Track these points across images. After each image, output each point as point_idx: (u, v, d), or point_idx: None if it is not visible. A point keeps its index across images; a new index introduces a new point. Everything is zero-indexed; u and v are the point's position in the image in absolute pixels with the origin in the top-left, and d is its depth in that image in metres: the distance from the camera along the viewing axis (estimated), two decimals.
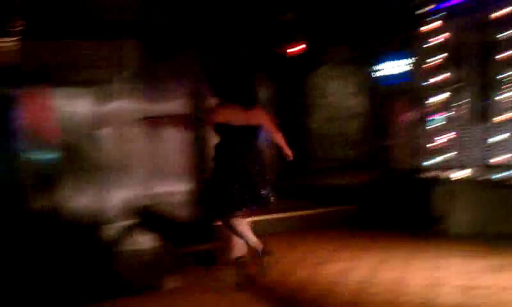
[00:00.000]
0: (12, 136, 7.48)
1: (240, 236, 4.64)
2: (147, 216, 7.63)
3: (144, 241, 6.87)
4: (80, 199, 7.88)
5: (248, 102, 4.68)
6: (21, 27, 6.13)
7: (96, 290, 4.89)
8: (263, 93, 9.25)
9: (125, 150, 8.10)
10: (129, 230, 7.60)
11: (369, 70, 10.18)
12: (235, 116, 4.59)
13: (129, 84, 7.77)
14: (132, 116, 7.93)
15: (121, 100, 7.84)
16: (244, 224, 4.62)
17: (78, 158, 7.94)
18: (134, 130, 7.96)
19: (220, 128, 4.65)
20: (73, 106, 7.91)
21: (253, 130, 4.66)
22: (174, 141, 8.01)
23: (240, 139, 4.58)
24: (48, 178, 7.38)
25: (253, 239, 4.65)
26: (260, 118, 4.71)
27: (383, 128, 8.64)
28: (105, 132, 8.01)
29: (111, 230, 7.60)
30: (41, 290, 4.90)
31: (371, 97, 10.30)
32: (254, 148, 4.63)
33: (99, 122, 7.97)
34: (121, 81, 7.52)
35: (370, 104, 10.40)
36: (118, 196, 8.05)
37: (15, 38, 6.44)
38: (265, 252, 4.66)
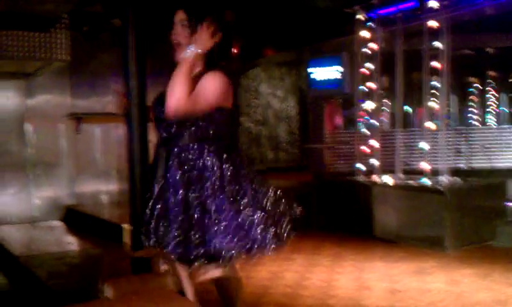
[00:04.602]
0: None
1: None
2: (76, 216, 7.39)
3: (75, 242, 6.64)
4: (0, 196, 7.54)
5: None
6: None
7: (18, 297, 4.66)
8: None
9: (51, 147, 7.82)
10: (56, 230, 7.33)
11: (301, 73, 10.37)
12: None
13: (59, 77, 7.52)
14: (59, 112, 7.67)
15: (49, 94, 7.59)
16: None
17: (1, 152, 7.58)
18: (61, 126, 7.72)
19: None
20: None
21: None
22: (104, 139, 7.82)
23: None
24: None
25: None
26: None
27: (313, 131, 8.81)
28: (31, 126, 7.70)
29: (36, 229, 7.31)
30: None
31: (303, 100, 10.49)
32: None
33: (24, 116, 7.66)
34: (51, 74, 7.29)
35: (302, 107, 10.60)
36: (42, 194, 7.75)
37: None
38: None
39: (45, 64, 6.91)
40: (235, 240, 2.58)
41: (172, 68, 2.71)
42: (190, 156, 2.68)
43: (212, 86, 2.67)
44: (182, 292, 3.10)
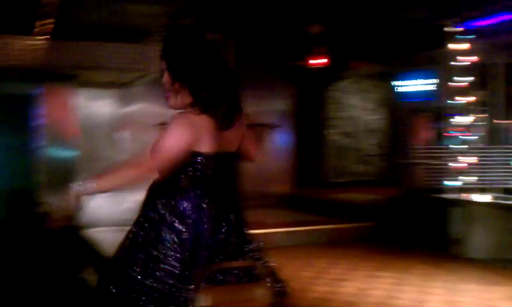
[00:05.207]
0: (32, 133, 7.51)
1: None
2: None
3: None
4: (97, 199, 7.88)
5: None
6: (45, 27, 6.16)
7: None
8: (283, 104, 9.23)
9: (143, 153, 8.09)
10: None
11: (391, 86, 10.17)
12: None
13: (151, 87, 7.78)
14: (151, 120, 7.96)
15: (143, 103, 7.88)
16: None
17: (97, 158, 7.95)
18: (152, 134, 7.98)
19: None
20: (94, 107, 7.96)
21: None
22: None
23: None
24: (65, 176, 7.40)
25: None
26: None
27: (402, 145, 8.57)
28: (125, 133, 8.02)
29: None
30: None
31: (392, 113, 10.25)
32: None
33: (119, 124, 7.99)
34: (144, 84, 7.57)
35: (391, 120, 10.36)
36: (134, 198, 8.03)
37: (39, 38, 6.47)
38: None
39: (140, 75, 7.19)
40: None
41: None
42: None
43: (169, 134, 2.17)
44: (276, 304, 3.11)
